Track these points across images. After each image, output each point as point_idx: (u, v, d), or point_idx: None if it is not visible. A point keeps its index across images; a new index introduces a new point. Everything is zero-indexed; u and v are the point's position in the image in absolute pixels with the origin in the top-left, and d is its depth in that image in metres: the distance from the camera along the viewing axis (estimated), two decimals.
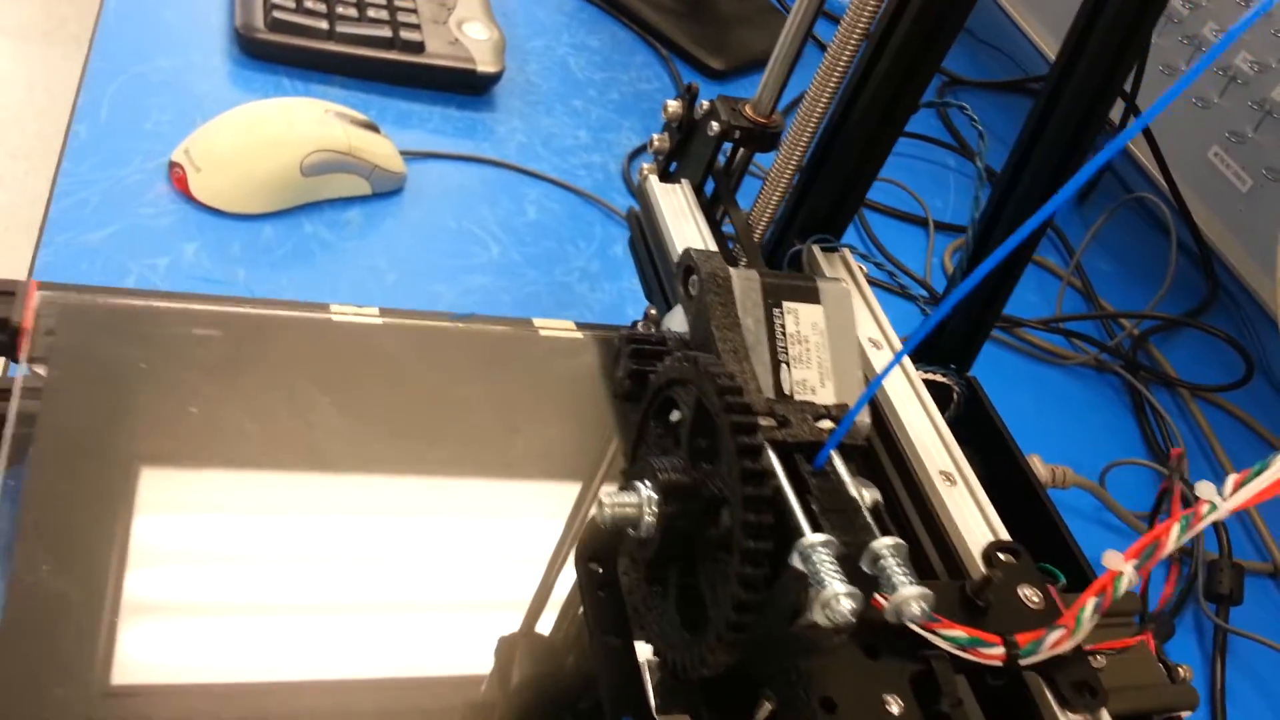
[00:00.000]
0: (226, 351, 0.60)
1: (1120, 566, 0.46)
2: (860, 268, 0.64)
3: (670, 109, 0.66)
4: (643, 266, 0.64)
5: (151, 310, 0.60)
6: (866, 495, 0.38)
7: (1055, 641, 0.43)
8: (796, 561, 0.34)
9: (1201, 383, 1.02)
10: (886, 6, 0.56)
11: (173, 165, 0.83)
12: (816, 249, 0.64)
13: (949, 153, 1.25)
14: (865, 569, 0.36)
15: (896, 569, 0.35)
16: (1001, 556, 0.48)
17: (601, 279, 0.91)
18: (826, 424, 0.39)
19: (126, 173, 0.83)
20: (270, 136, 0.85)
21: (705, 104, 0.64)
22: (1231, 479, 0.48)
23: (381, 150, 0.89)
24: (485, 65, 1.01)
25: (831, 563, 0.34)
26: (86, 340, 0.57)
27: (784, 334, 0.40)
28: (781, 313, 0.41)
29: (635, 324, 0.74)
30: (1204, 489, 0.48)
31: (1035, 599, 0.46)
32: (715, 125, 0.62)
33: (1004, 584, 0.46)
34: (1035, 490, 0.71)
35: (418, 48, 1.00)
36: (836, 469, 0.38)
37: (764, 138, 0.63)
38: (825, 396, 0.40)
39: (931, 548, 0.52)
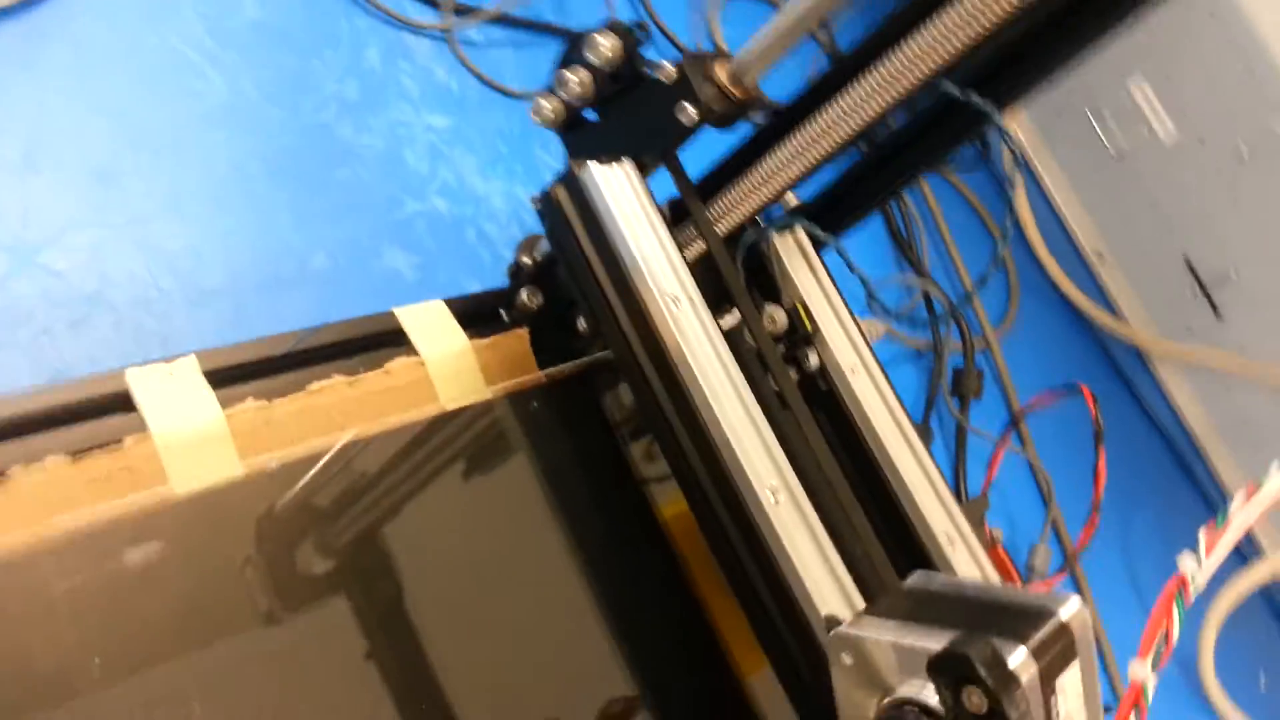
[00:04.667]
0: None
1: (1141, 673, 0.49)
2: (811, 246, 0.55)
3: (602, 49, 0.48)
4: (576, 270, 0.49)
5: None
6: None
7: None
8: None
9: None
10: None
11: None
12: (775, 236, 0.53)
13: None
14: None
15: None
16: None
17: (365, 111, 0.70)
18: None
19: None
20: None
21: (669, 66, 0.47)
22: (1204, 538, 0.52)
23: None
24: None
25: None
26: None
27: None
28: (1055, 698, 0.34)
29: (518, 265, 0.59)
30: (1185, 563, 0.52)
31: None
32: (693, 112, 0.46)
33: None
34: None
35: None
36: None
37: (740, 115, 0.48)
38: None
39: None
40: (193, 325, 0.58)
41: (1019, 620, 0.35)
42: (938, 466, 0.55)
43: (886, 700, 0.36)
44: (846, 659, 0.37)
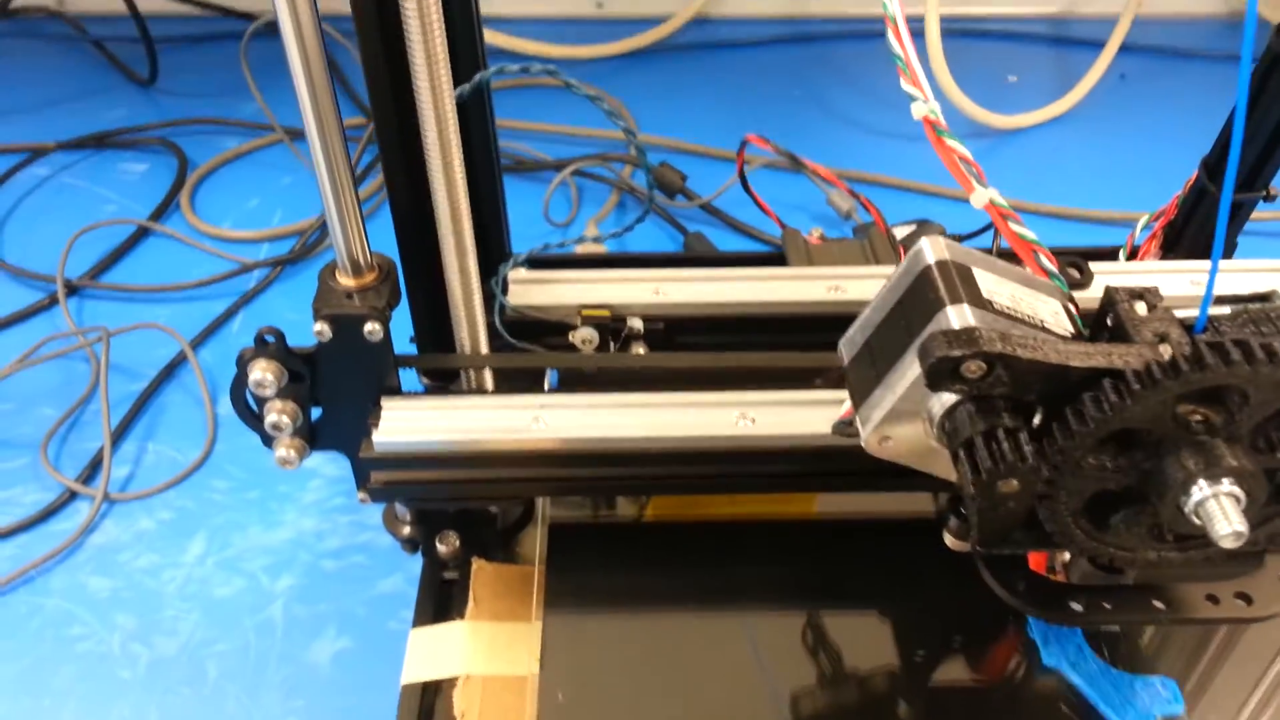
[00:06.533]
0: None
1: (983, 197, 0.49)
2: None
3: (265, 379, 0.46)
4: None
5: None
6: None
7: None
8: None
9: None
10: None
11: None
12: None
13: None
14: None
15: None
16: None
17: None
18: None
19: None
20: None
21: (319, 325, 0.45)
22: None
23: None
24: None
25: None
26: None
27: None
28: (997, 304, 0.37)
29: (406, 539, 0.56)
30: None
31: None
32: (373, 325, 0.45)
33: None
34: None
35: None
36: None
37: (393, 299, 0.47)
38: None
39: None
40: None
41: (919, 294, 0.38)
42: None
43: (934, 426, 0.37)
44: (889, 442, 0.39)
